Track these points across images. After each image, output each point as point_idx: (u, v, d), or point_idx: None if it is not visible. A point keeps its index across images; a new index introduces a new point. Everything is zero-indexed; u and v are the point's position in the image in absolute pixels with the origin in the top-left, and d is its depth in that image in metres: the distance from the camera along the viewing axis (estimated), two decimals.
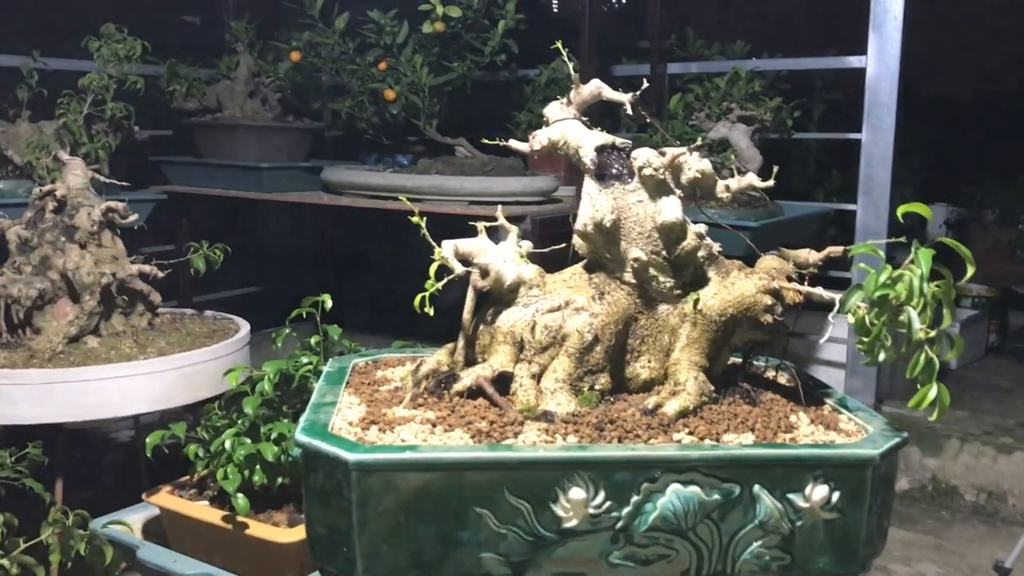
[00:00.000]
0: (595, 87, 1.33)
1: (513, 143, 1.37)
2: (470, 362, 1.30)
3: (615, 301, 1.27)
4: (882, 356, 1.12)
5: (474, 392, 1.23)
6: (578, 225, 1.28)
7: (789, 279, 1.27)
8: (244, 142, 3.20)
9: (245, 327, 2.37)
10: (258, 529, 1.66)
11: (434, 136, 3.12)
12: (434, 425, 1.16)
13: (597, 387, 1.24)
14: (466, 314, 1.31)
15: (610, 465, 1.06)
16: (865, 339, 1.12)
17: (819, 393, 1.35)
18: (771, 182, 1.30)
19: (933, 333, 1.09)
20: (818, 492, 1.08)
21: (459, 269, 1.25)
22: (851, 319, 1.14)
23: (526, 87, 3.39)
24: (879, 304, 1.10)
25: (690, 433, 1.15)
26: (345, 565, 1.09)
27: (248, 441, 1.69)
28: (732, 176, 1.34)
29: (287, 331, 1.88)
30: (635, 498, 1.06)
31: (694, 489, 1.07)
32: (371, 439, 1.13)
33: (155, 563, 1.69)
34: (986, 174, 4.75)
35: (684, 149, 1.27)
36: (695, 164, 1.28)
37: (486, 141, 1.44)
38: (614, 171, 1.27)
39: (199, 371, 2.10)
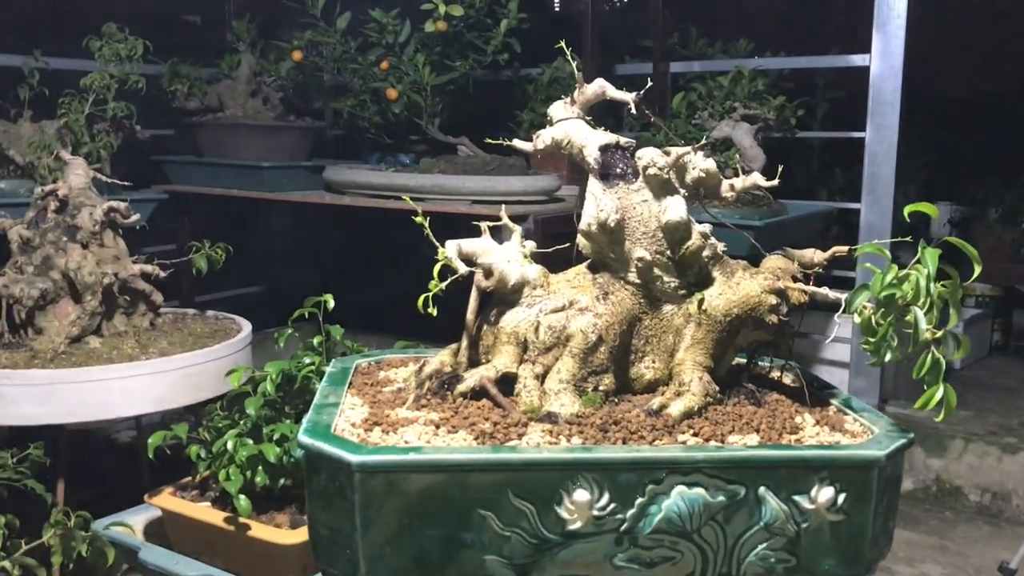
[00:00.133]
0: (599, 86, 1.32)
1: (517, 142, 1.37)
2: (474, 363, 1.30)
3: (619, 301, 1.26)
4: (888, 356, 1.11)
5: (478, 393, 1.23)
6: (582, 225, 1.28)
7: (794, 279, 1.27)
8: (246, 141, 3.19)
9: (247, 327, 2.36)
10: (260, 531, 1.66)
11: (436, 135, 3.11)
12: (437, 426, 1.16)
13: (601, 388, 1.23)
14: (470, 314, 1.30)
15: (614, 466, 1.05)
16: (871, 339, 1.12)
17: (824, 394, 1.34)
18: (776, 181, 1.30)
19: (940, 333, 1.08)
20: (824, 494, 1.07)
21: (462, 269, 1.24)
22: (857, 319, 1.13)
23: (528, 86, 3.38)
24: (885, 304, 1.10)
25: (695, 434, 1.15)
26: (348, 567, 1.08)
27: (250, 442, 1.69)
28: (735, 175, 1.33)
29: (289, 331, 1.87)
30: (640, 500, 1.06)
31: (699, 491, 1.06)
32: (374, 440, 1.13)
33: (157, 564, 1.69)
34: (989, 173, 4.73)
35: (688, 148, 1.27)
36: (699, 163, 1.28)
37: (489, 140, 1.43)
38: (618, 170, 1.27)
39: (201, 371, 2.10)
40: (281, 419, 1.75)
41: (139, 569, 1.74)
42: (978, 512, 3.02)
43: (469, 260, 1.28)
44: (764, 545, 1.09)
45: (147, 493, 1.83)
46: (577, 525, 1.05)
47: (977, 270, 1.11)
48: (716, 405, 1.23)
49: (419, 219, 1.29)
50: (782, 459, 1.09)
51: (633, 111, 1.28)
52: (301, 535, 1.61)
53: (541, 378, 1.23)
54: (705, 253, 1.27)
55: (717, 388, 1.25)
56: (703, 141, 1.34)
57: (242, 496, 1.64)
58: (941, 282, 1.10)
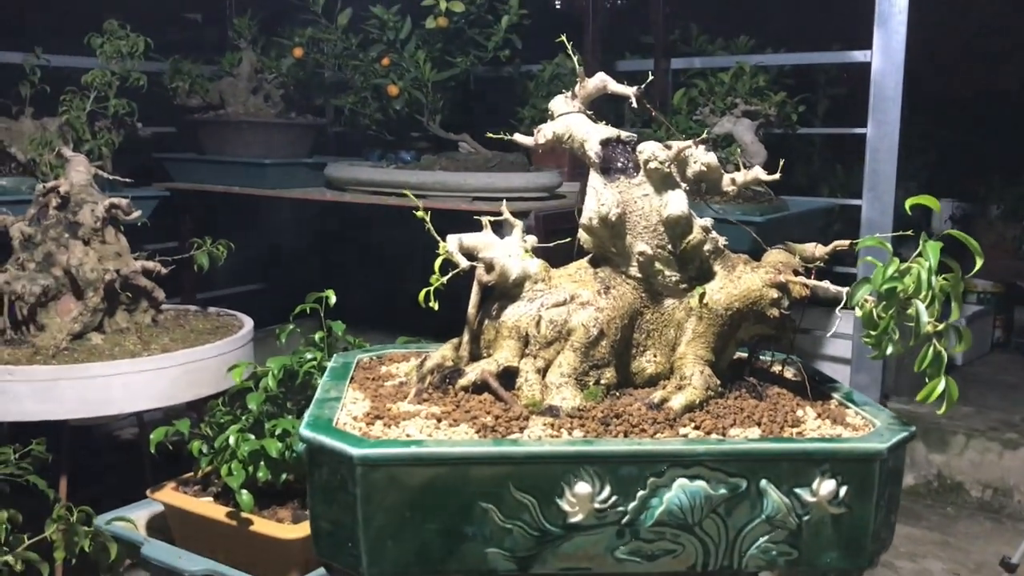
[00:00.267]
0: (600, 80, 1.32)
1: (518, 137, 1.37)
2: (475, 357, 1.30)
3: (621, 295, 1.26)
4: (889, 349, 1.11)
5: (479, 387, 1.23)
6: (583, 219, 1.28)
7: (795, 273, 1.27)
8: (247, 138, 3.19)
9: (249, 323, 2.36)
10: (262, 525, 1.66)
11: (437, 132, 3.11)
12: (439, 420, 1.16)
13: (603, 381, 1.23)
14: (471, 309, 1.30)
15: (616, 459, 1.06)
16: (872, 332, 1.11)
17: (826, 387, 1.34)
18: (777, 175, 1.30)
19: (941, 326, 1.08)
20: (825, 486, 1.07)
21: (464, 263, 1.24)
22: (858, 312, 1.13)
23: (529, 83, 3.38)
24: (887, 297, 1.10)
25: (696, 427, 1.15)
26: (350, 561, 1.08)
27: (252, 437, 1.69)
28: (737, 172, 1.33)
29: (291, 327, 1.87)
30: (641, 493, 1.06)
31: (700, 484, 1.06)
32: (376, 434, 1.13)
33: (159, 559, 1.69)
34: (991, 170, 4.73)
35: (690, 142, 1.27)
36: (701, 157, 1.28)
37: (490, 135, 1.43)
38: (619, 165, 1.27)
39: (203, 367, 2.10)
40: (283, 414, 1.75)
41: (141, 564, 1.74)
42: (980, 508, 3.02)
43: (470, 254, 1.28)
44: (766, 538, 1.09)
45: (149, 488, 1.83)
46: (579, 518, 1.05)
47: (979, 263, 1.11)
48: (717, 399, 1.23)
49: (420, 214, 1.29)
50: (784, 452, 1.09)
51: (634, 105, 1.28)
52: (303, 530, 1.62)
53: (542, 372, 1.23)
54: (706, 247, 1.27)
55: (718, 382, 1.25)
56: (703, 135, 1.34)
57: (244, 491, 1.65)
58: (943, 275, 1.10)
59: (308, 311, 1.84)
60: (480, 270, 1.28)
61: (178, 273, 2.33)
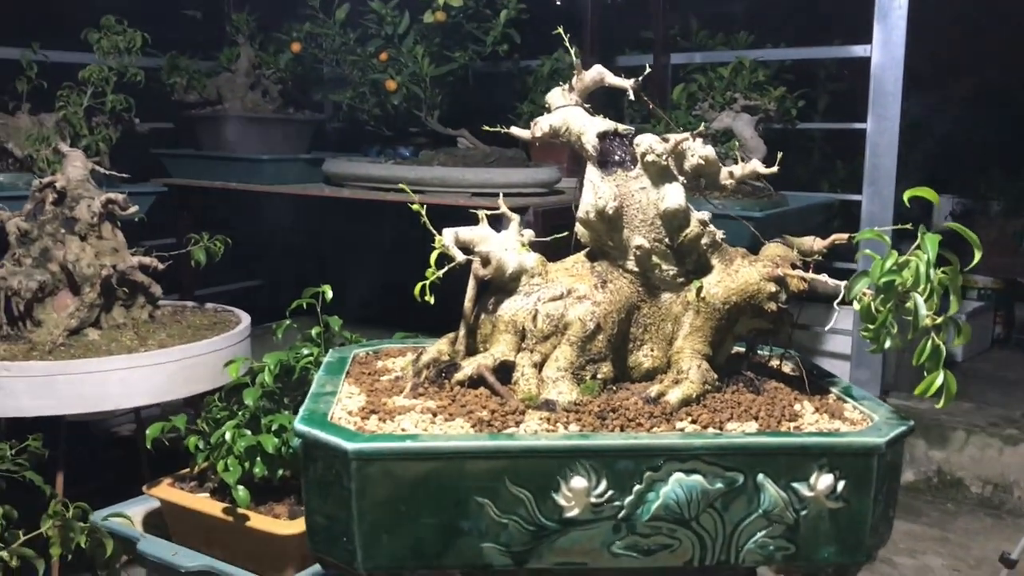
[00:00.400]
0: (597, 73, 1.31)
1: (515, 130, 1.36)
2: (471, 351, 1.29)
3: (618, 289, 1.26)
4: (888, 343, 1.10)
5: (475, 381, 1.22)
6: (580, 213, 1.27)
7: (793, 266, 1.26)
8: (245, 134, 3.19)
9: (246, 319, 2.36)
10: (259, 521, 1.66)
11: (436, 127, 3.10)
12: (435, 414, 1.15)
13: (599, 376, 1.22)
14: (467, 303, 1.30)
15: (612, 454, 1.05)
16: (871, 326, 1.11)
17: (824, 382, 1.33)
18: (775, 168, 1.29)
19: (940, 320, 1.07)
20: (823, 481, 1.07)
21: (460, 257, 1.24)
22: (857, 306, 1.13)
23: (528, 78, 3.37)
24: (885, 290, 1.09)
25: (693, 421, 1.14)
26: (345, 556, 1.08)
27: (248, 433, 1.68)
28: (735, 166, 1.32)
29: (287, 323, 1.86)
30: (637, 487, 1.05)
31: (697, 478, 1.06)
32: (371, 428, 1.12)
33: (156, 555, 1.69)
34: (992, 165, 4.72)
35: (687, 135, 1.26)
36: (698, 150, 1.27)
37: (487, 128, 1.43)
38: (616, 158, 1.26)
39: (200, 363, 2.09)
40: (279, 410, 1.75)
41: (138, 560, 1.73)
42: (979, 504, 3.02)
43: (467, 248, 1.27)
44: (763, 532, 1.08)
45: (146, 484, 1.82)
46: (575, 512, 1.04)
47: (977, 255, 1.10)
48: (715, 393, 1.22)
49: (415, 207, 1.28)
50: (781, 446, 1.08)
51: (631, 97, 1.27)
52: (299, 525, 1.61)
53: (539, 366, 1.22)
54: (704, 241, 1.27)
55: (715, 376, 1.24)
56: (700, 128, 1.33)
57: (240, 487, 1.64)
58: (941, 268, 1.09)
59: (305, 306, 1.83)
60: (476, 264, 1.28)
61: (176, 269, 2.33)
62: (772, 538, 1.08)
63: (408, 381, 1.27)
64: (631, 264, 1.26)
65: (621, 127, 1.28)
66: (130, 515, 1.79)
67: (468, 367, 1.23)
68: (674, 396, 1.18)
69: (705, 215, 1.27)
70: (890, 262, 1.09)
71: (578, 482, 1.04)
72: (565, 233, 1.35)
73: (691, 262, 1.28)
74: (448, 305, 1.33)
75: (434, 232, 1.26)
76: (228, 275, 3.64)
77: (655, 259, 1.26)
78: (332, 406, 1.18)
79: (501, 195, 1.41)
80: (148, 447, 1.77)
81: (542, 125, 1.31)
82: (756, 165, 1.31)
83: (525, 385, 1.20)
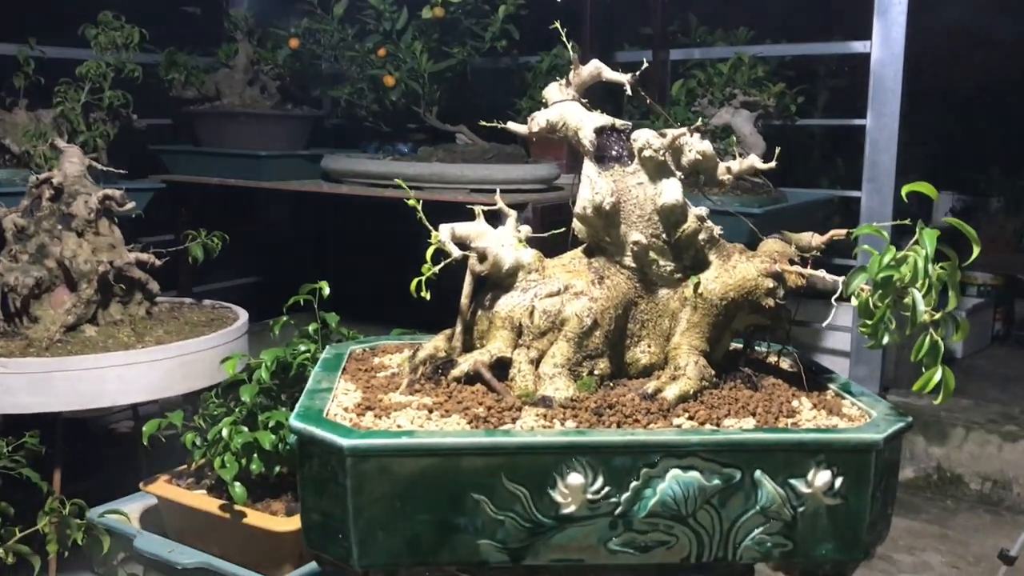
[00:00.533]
0: (594, 68, 1.31)
1: (512, 125, 1.35)
2: (468, 348, 1.29)
3: (615, 285, 1.25)
4: (886, 339, 1.10)
5: (472, 378, 1.22)
6: (577, 208, 1.26)
7: (791, 262, 1.25)
8: (243, 130, 3.18)
9: (243, 316, 2.35)
10: (255, 518, 1.65)
11: (434, 123, 3.10)
12: (431, 411, 1.15)
13: (596, 372, 1.22)
14: (464, 299, 1.29)
15: (609, 450, 1.04)
16: (869, 322, 1.10)
17: (822, 378, 1.33)
18: (773, 163, 1.28)
19: (938, 315, 1.07)
20: (821, 477, 1.06)
21: (456, 253, 1.23)
22: (855, 301, 1.12)
23: (527, 74, 3.36)
24: (883, 286, 1.08)
25: (690, 418, 1.14)
26: (341, 552, 1.07)
27: (245, 429, 1.68)
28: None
29: (284, 319, 1.86)
30: (634, 483, 1.05)
31: (694, 474, 1.05)
32: (367, 425, 1.12)
33: (152, 552, 1.68)
34: (992, 162, 4.71)
35: (684, 130, 1.25)
36: (696, 145, 1.26)
37: (484, 123, 1.42)
38: (614, 153, 1.25)
39: (197, 360, 2.09)
40: (276, 406, 1.74)
41: (135, 557, 1.73)
42: (979, 500, 3.02)
43: (463, 244, 1.27)
44: (760, 529, 1.08)
45: (143, 481, 1.82)
46: (571, 509, 1.04)
47: (976, 250, 1.09)
48: (712, 389, 1.22)
49: (411, 202, 1.28)
50: (778, 442, 1.08)
51: (628, 92, 1.27)
52: (296, 522, 1.60)
53: (536, 363, 1.22)
54: (701, 236, 1.26)
55: (713, 372, 1.24)
56: (698, 123, 1.32)
57: (237, 483, 1.64)
58: (940, 264, 1.08)
59: (302, 303, 1.83)
60: (473, 260, 1.27)
61: (173, 266, 2.32)
62: (769, 535, 1.08)
63: (404, 377, 1.27)
64: (628, 260, 1.26)
65: (618, 122, 1.28)
66: (127, 512, 1.79)
67: (465, 363, 1.23)
68: (671, 392, 1.18)
69: (703, 210, 1.26)
70: (888, 257, 1.08)
71: (575, 479, 1.03)
72: (563, 229, 1.34)
73: (688, 258, 1.27)
74: (445, 301, 1.32)
75: (430, 227, 1.25)
76: (226, 272, 3.64)
77: (652, 255, 1.25)
78: (328, 402, 1.18)
79: (498, 191, 1.40)
80: (145, 444, 1.76)
81: (539, 120, 1.31)
82: (755, 160, 1.30)
83: (522, 381, 1.20)
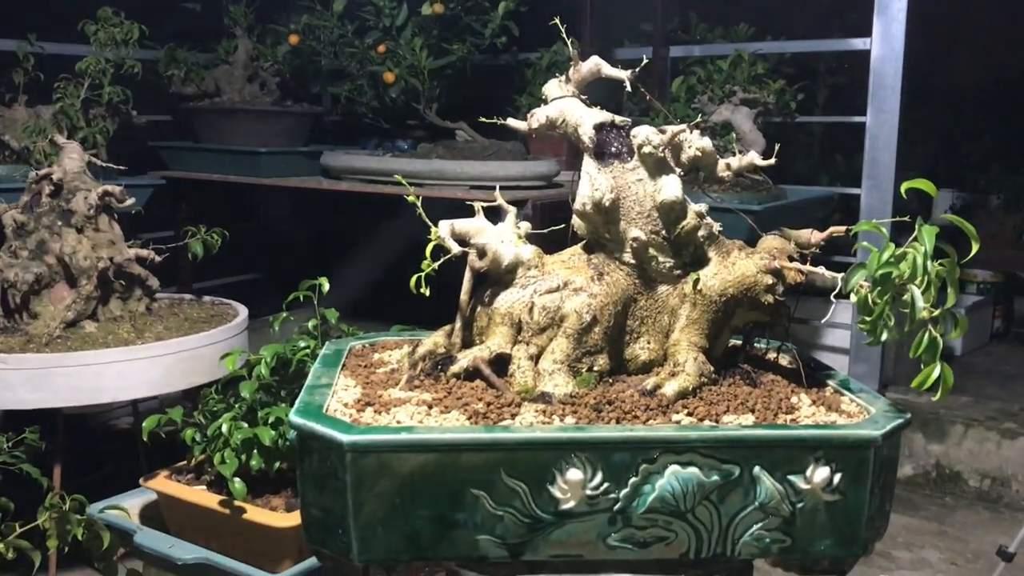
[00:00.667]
0: (594, 64, 1.31)
1: (511, 122, 1.35)
2: (467, 344, 1.29)
3: (614, 282, 1.25)
4: (885, 336, 1.10)
5: (471, 373, 1.22)
6: (577, 204, 1.26)
7: (791, 259, 1.25)
8: (243, 127, 3.18)
9: (243, 312, 2.36)
10: (255, 514, 1.65)
11: (434, 120, 3.09)
12: (430, 407, 1.15)
13: (596, 368, 1.22)
14: (463, 295, 1.29)
15: (608, 446, 1.05)
16: (868, 319, 1.10)
17: (821, 375, 1.33)
18: (772, 160, 1.28)
19: (937, 312, 1.07)
20: (819, 473, 1.06)
21: (456, 249, 1.23)
22: (854, 298, 1.12)
23: (527, 70, 3.36)
24: (882, 282, 1.08)
25: (689, 414, 1.14)
26: (341, 548, 1.07)
27: (245, 425, 1.68)
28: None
29: (284, 315, 1.86)
30: (633, 479, 1.05)
31: (693, 470, 1.05)
32: (366, 420, 1.12)
33: (152, 548, 1.69)
34: (992, 160, 4.71)
35: (684, 126, 1.25)
36: (695, 142, 1.26)
37: (483, 120, 1.42)
38: (613, 149, 1.25)
39: (197, 356, 2.09)
40: (276, 402, 1.75)
41: (135, 552, 1.73)
42: (977, 497, 3.02)
43: (463, 240, 1.27)
44: (759, 525, 1.08)
45: (143, 477, 1.82)
46: (570, 504, 1.04)
47: (975, 247, 1.09)
48: (711, 385, 1.22)
49: (411, 198, 1.28)
50: (777, 439, 1.08)
51: (628, 88, 1.27)
52: (296, 518, 1.61)
53: (535, 359, 1.22)
54: (701, 233, 1.26)
55: (712, 368, 1.24)
56: (698, 120, 1.32)
57: (237, 479, 1.64)
58: (939, 261, 1.08)
59: (302, 299, 1.83)
60: (472, 256, 1.27)
61: (173, 262, 2.32)
62: (768, 531, 1.08)
63: (404, 373, 1.27)
64: (628, 256, 1.26)
65: (618, 118, 1.28)
66: (127, 507, 1.79)
67: (464, 359, 1.23)
68: (670, 388, 1.18)
69: (702, 207, 1.26)
70: (887, 254, 1.08)
71: (574, 474, 1.03)
72: (562, 225, 1.34)
73: (688, 254, 1.27)
74: (445, 298, 1.33)
75: (429, 224, 1.25)
76: (225, 268, 3.64)
77: (652, 251, 1.25)
78: (328, 398, 1.18)
79: (498, 187, 1.40)
80: (145, 440, 1.77)
81: (539, 116, 1.30)
82: (754, 157, 1.31)
83: (521, 377, 1.20)
